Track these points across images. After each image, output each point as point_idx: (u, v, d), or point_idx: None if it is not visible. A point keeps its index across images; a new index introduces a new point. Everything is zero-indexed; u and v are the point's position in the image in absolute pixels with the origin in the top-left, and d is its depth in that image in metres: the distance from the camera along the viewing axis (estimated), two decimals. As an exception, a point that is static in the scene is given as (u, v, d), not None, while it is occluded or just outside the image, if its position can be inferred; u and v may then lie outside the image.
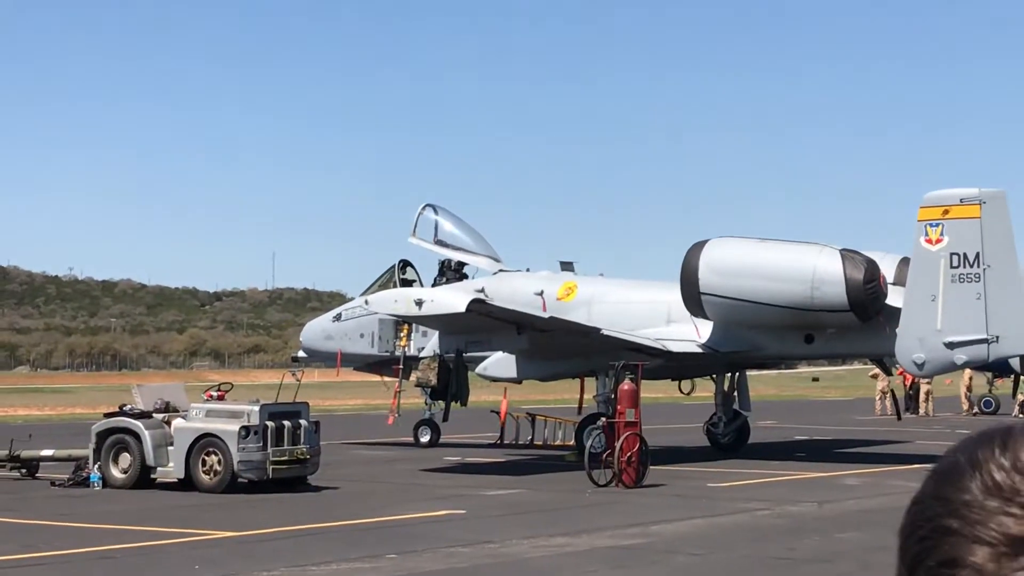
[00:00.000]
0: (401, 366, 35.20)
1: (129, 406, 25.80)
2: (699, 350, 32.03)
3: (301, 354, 38.73)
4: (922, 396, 55.55)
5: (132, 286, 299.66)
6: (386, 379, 37.61)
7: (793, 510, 22.03)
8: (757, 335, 31.34)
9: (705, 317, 31.39)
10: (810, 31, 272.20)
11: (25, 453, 27.42)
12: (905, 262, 29.93)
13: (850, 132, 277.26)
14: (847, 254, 29.99)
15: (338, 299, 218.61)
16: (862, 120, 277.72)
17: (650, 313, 32.95)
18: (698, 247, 31.00)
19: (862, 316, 29.91)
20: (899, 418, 43.38)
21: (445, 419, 34.35)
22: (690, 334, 32.10)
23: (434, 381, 32.44)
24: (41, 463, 27.47)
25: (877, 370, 46.22)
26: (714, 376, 35.12)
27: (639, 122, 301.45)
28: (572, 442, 33.82)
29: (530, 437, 37.26)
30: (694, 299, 30.93)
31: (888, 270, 30.64)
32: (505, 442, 36.91)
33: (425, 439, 36.67)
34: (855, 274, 29.61)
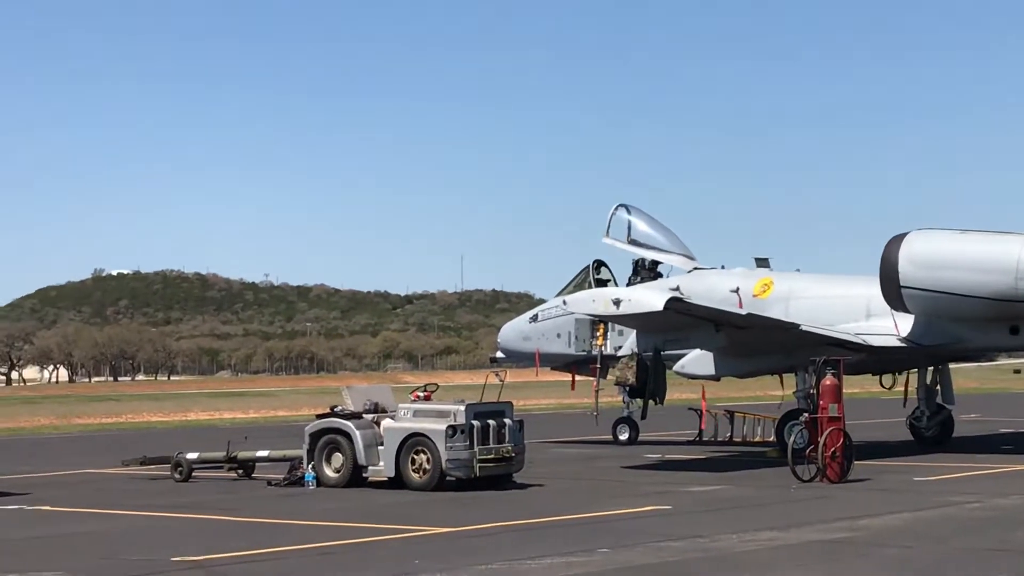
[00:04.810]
0: (599, 365, 35.56)
1: (339, 407, 26.53)
2: (900, 344, 31.71)
3: (499, 355, 39.27)
4: None
5: (326, 291, 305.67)
6: (578, 378, 38.08)
7: (1003, 503, 21.77)
8: (960, 328, 30.90)
9: (906, 311, 31.07)
10: None
11: (242, 454, 28.45)
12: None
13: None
14: (1052, 243, 29.42)
15: (526, 300, 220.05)
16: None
17: (849, 308, 32.71)
18: (897, 240, 30.67)
19: (1068, 306, 29.34)
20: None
21: (643, 417, 34.57)
22: (890, 328, 31.80)
23: (632, 380, 32.77)
24: (257, 463, 28.46)
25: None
26: (908, 371, 34.70)
27: (833, 111, 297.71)
28: (772, 438, 33.79)
29: (729, 434, 37.25)
30: (894, 293, 30.63)
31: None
32: (704, 439, 36.97)
33: (624, 437, 36.99)
34: (1061, 263, 29.04)
